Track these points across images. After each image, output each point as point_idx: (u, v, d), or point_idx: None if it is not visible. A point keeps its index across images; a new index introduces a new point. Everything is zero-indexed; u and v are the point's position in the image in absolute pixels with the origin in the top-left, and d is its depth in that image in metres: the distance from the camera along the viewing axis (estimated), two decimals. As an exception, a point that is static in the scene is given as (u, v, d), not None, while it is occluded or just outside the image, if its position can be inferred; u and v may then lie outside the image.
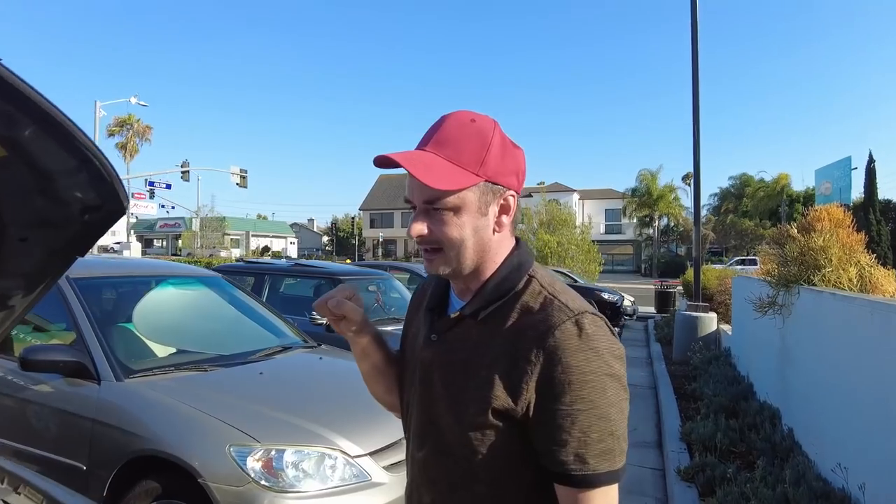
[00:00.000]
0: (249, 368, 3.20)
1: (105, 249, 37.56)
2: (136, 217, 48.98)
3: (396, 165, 0.96)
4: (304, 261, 8.13)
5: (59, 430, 2.80)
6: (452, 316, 1.03)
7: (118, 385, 2.74)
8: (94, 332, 2.92)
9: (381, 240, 59.44)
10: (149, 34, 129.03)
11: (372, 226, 61.85)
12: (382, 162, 0.97)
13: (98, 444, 2.65)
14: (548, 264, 20.12)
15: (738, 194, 48.60)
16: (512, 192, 1.01)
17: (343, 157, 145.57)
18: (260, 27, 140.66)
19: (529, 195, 33.14)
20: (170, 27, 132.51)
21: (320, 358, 3.69)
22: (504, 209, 1.02)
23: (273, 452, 2.45)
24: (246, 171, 30.79)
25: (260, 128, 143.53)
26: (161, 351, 3.24)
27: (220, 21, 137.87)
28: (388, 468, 2.61)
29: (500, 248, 1.04)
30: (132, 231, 46.45)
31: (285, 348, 3.70)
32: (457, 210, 0.97)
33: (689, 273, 12.19)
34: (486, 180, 0.97)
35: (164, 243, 63.00)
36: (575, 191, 51.05)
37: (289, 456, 2.46)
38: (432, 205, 0.97)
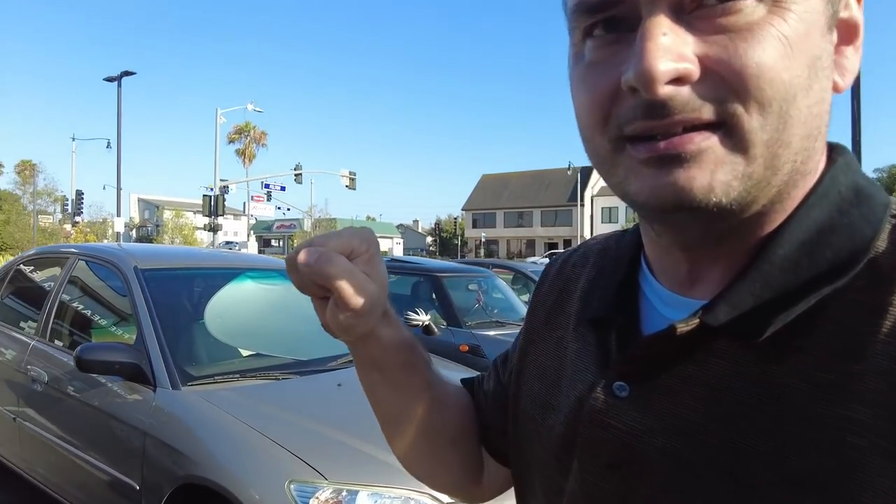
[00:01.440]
0: (328, 378, 2.70)
1: (227, 245, 40.31)
2: (255, 218, 52.33)
3: None
4: (400, 256, 7.74)
5: (116, 441, 2.45)
6: (680, 329, 0.37)
7: (174, 393, 2.33)
8: (155, 330, 2.54)
9: (483, 240, 59.15)
10: (263, 39, 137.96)
11: (474, 226, 61.69)
12: None
13: (151, 460, 2.25)
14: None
15: (887, 188, 43.09)
16: None
17: (448, 157, 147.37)
18: (365, 30, 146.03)
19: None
20: (282, 33, 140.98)
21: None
22: (849, 30, 0.37)
23: (344, 493, 1.90)
24: (355, 174, 31.55)
25: (369, 131, 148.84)
26: (232, 354, 2.83)
27: (327, 26, 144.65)
28: (491, 521, 1.98)
29: (818, 145, 0.37)
30: (251, 232, 49.58)
31: (373, 353, 3.18)
32: (777, 2, 0.33)
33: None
34: None
35: (281, 243, 66.92)
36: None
37: (363, 499, 1.90)
38: None
